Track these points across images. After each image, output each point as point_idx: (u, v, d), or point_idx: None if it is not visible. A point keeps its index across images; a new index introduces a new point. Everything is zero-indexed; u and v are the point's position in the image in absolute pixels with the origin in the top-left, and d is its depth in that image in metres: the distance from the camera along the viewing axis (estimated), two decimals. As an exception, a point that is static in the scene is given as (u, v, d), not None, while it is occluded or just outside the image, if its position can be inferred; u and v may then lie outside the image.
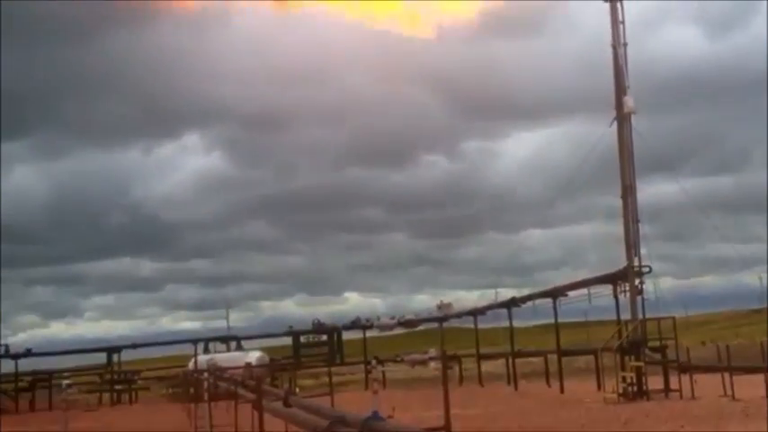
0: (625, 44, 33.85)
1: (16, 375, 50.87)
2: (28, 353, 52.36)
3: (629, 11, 40.52)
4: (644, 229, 33.81)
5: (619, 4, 33.66)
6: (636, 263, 33.47)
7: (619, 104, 33.77)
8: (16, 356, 51.22)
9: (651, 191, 34.56)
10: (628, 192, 33.93)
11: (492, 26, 39.88)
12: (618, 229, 34.68)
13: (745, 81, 43.76)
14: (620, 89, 33.89)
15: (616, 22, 33.82)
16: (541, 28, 43.20)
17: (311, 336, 52.18)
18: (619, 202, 34.09)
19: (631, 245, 33.72)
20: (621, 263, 33.94)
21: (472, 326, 46.38)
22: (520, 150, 52.02)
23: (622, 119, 34.00)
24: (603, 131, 34.46)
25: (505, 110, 48.52)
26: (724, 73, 44.35)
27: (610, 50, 35.55)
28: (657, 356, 32.46)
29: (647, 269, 33.47)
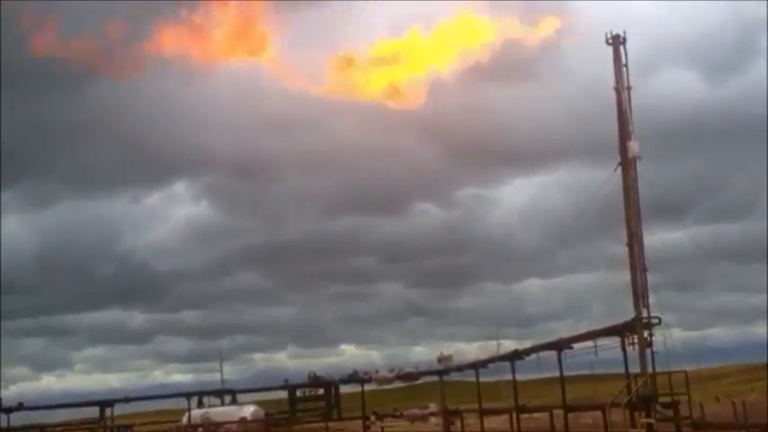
0: (629, 87, 33.07)
1: (9, 430, 49.73)
2: (20, 407, 51.22)
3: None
4: (650, 278, 32.80)
5: (622, 47, 33.00)
6: (644, 314, 32.42)
7: (623, 149, 33.10)
8: (9, 410, 50.17)
9: (654, 238, 33.45)
10: (634, 240, 32.97)
11: (484, 71, 38.93)
12: (622, 278, 33.71)
13: (747, 126, 42.92)
14: (625, 133, 33.03)
15: (619, 64, 33.07)
16: (534, 73, 42.47)
17: (307, 389, 50.71)
18: (622, 250, 33.18)
19: (639, 295, 32.57)
20: (627, 313, 32.79)
21: (474, 379, 44.97)
22: (516, 197, 51.66)
23: (627, 164, 33.27)
24: (608, 177, 33.40)
25: (500, 156, 47.87)
26: (725, 117, 43.65)
27: (605, 95, 35.02)
28: (669, 413, 31.17)
29: (656, 320, 32.27)
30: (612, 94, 33.33)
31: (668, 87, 35.75)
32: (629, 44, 33.54)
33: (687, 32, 40.60)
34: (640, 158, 33.06)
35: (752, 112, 41.90)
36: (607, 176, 33.67)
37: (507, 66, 39.56)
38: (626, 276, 33.14)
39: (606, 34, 33.00)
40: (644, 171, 32.79)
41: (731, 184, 46.94)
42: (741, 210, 45.71)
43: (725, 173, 46.37)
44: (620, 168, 33.11)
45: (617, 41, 32.98)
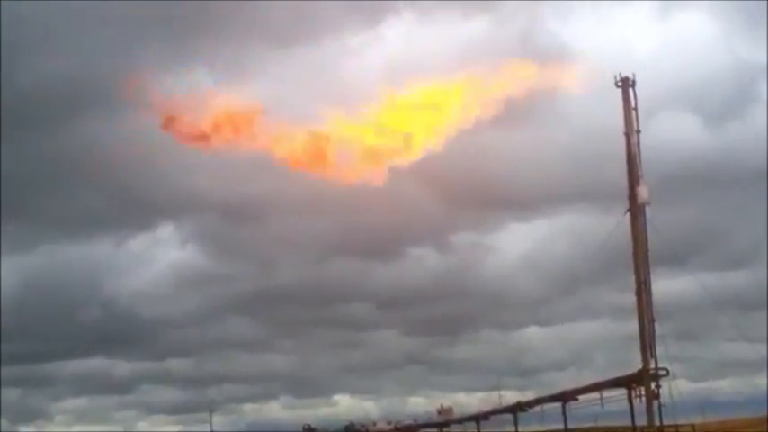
0: (638, 131, 32.45)
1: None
2: (-2, 462, 49.89)
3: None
4: (657, 327, 31.81)
5: (631, 90, 32.44)
6: (651, 365, 31.56)
7: (632, 195, 32.30)
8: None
9: (658, 286, 32.73)
10: (642, 288, 32.18)
11: (480, 116, 38.44)
12: (625, 327, 33.27)
13: (747, 173, 42.43)
14: (634, 178, 32.29)
15: (628, 107, 32.40)
16: (533, 117, 42.05)
17: (303, 442, 49.45)
18: (625, 298, 32.78)
19: (647, 346, 31.70)
20: (631, 363, 32.04)
21: (475, 431, 43.88)
22: (515, 243, 50.85)
23: (636, 210, 32.60)
24: (616, 223, 32.87)
25: (499, 201, 47.24)
26: (724, 164, 43.17)
27: (606, 139, 35.30)
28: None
29: (664, 372, 31.35)
30: (614, 138, 33.01)
31: (667, 132, 35.51)
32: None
33: (686, 77, 40.41)
34: (649, 204, 32.38)
35: (751, 160, 41.31)
36: (615, 223, 32.94)
37: (507, 110, 38.84)
38: (630, 325, 32.60)
39: (615, 77, 32.45)
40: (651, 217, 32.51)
41: (732, 231, 46.34)
42: (743, 257, 45.07)
43: (725, 220, 45.79)
44: (628, 214, 32.35)
45: (626, 84, 32.39)
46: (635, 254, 32.26)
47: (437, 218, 48.48)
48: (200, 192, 54.19)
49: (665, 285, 34.58)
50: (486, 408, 42.28)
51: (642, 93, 36.10)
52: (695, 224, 40.60)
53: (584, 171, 43.33)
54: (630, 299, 32.61)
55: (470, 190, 45.46)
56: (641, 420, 31.62)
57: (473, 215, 48.89)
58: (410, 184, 46.15)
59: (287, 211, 51.86)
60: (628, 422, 32.54)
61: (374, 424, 49.30)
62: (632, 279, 32.57)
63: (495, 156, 43.92)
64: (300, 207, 50.32)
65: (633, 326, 32.42)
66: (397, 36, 43.94)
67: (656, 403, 31.01)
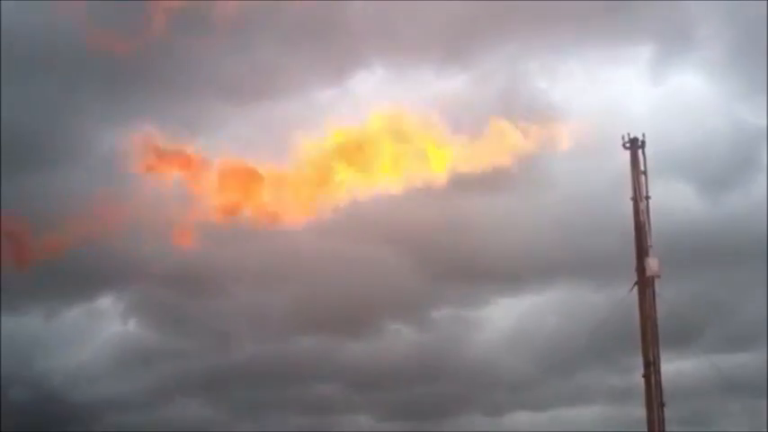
0: (647, 197, 30.35)
1: None
2: None
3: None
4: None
5: (640, 152, 30.36)
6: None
7: (640, 267, 30.05)
8: None
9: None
10: (651, 370, 29.72)
11: (466, 180, 36.31)
12: (628, 412, 32.04)
13: (747, 246, 40.63)
14: (642, 249, 30.16)
15: (637, 171, 30.32)
16: (518, 182, 39.77)
17: None
18: (626, 381, 32.27)
19: (657, 435, 29.40)
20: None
21: None
22: (502, 319, 47.49)
23: (644, 284, 30.36)
24: (622, 298, 30.65)
25: (483, 273, 43.98)
26: (723, 236, 41.33)
27: (594, 207, 35.28)
28: None
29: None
30: (607, 205, 32.88)
31: (663, 200, 33.50)
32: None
33: (681, 141, 38.63)
34: (659, 277, 30.28)
35: (751, 231, 39.53)
36: (618, 297, 30.89)
37: (490, 173, 36.70)
38: (634, 411, 30.80)
39: (623, 137, 30.50)
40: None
41: (733, 309, 44.22)
42: (748, 338, 42.74)
43: (724, 296, 43.73)
44: (635, 289, 30.08)
45: (635, 145, 30.46)
46: (643, 332, 30.04)
47: (415, 290, 45.40)
48: (145, 257, 50.09)
49: (670, 366, 32.54)
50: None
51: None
52: (693, 300, 38.36)
53: (575, 241, 41.12)
54: (634, 380, 30.82)
55: (452, 260, 42.72)
56: None
57: (455, 287, 45.84)
58: (385, 252, 43.36)
59: (245, 278, 48.11)
60: None
61: None
62: (636, 359, 30.63)
63: (478, 223, 41.38)
64: (261, 274, 46.71)
65: (637, 412, 30.47)
66: (366, 93, 41.37)
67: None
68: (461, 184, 38.70)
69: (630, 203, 30.55)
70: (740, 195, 40.90)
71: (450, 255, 41.99)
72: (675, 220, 38.30)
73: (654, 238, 31.56)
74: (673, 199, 36.26)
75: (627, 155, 30.74)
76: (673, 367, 34.09)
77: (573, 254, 41.11)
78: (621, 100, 41.00)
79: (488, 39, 42.33)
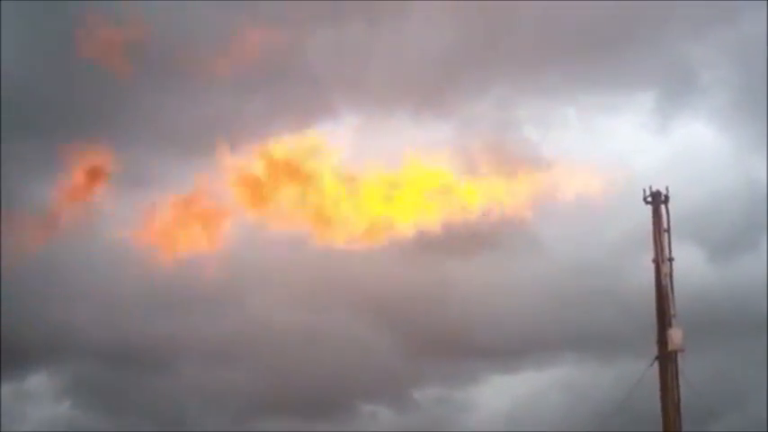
0: (671, 259, 27.35)
1: None
2: None
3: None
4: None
5: (663, 207, 27.39)
6: None
7: (661, 339, 26.99)
8: None
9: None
10: (675, 458, 26.79)
11: (450, 238, 33.32)
12: None
13: (761, 315, 37.55)
14: (664, 318, 27.03)
15: (659, 229, 27.28)
16: (504, 242, 36.38)
17: None
18: None
19: None
20: None
21: None
22: (495, 400, 42.66)
23: (666, 358, 27.09)
24: (642, 374, 27.42)
25: (473, 347, 39.69)
26: (734, 303, 38.26)
27: (592, 271, 33.84)
28: None
29: None
30: (606, 271, 31.90)
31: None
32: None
33: (688, 199, 35.36)
34: (683, 351, 27.09)
35: (761, 301, 36.46)
36: (641, 373, 27.64)
37: (473, 234, 33.86)
38: None
39: (644, 190, 27.65)
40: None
41: (745, 388, 40.81)
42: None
43: (736, 371, 40.34)
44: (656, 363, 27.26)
45: (657, 200, 27.52)
46: (664, 412, 27.19)
47: (392, 365, 41.19)
48: (82, 330, 45.35)
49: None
50: None
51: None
52: (713, 378, 35.01)
53: (575, 311, 37.75)
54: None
55: (436, 332, 38.99)
56: None
57: (438, 363, 41.60)
58: (360, 324, 39.47)
59: (198, 353, 43.63)
60: None
61: None
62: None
63: (464, 290, 37.85)
64: (217, 349, 42.34)
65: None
66: (336, 145, 37.82)
67: None
68: (443, 245, 35.69)
69: (639, 266, 28.74)
70: (755, 259, 37.82)
71: (432, 325, 38.28)
72: (681, 287, 34.98)
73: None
74: (680, 261, 33.02)
75: (631, 212, 28.75)
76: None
77: (574, 326, 37.69)
78: (622, 152, 37.97)
79: (472, 83, 39.01)
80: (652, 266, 27.78)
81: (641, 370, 27.95)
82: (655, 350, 27.34)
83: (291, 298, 38.76)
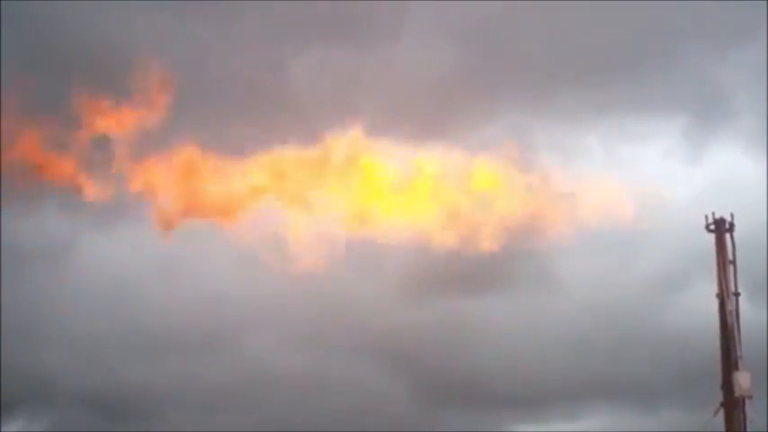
0: (737, 294, 25.05)
1: None
2: None
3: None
4: None
5: (728, 236, 25.08)
6: None
7: (727, 383, 24.81)
8: None
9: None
10: None
11: (466, 275, 31.04)
12: None
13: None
14: (729, 361, 24.85)
15: (723, 260, 25.00)
16: (518, 280, 34.01)
17: None
18: None
19: None
20: None
21: None
22: None
23: (731, 406, 24.79)
24: (705, 422, 25.13)
25: (497, 395, 36.85)
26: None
27: (622, 311, 32.16)
28: None
29: None
30: (642, 309, 28.97)
31: (695, 305, 28.53)
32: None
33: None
34: (751, 397, 24.87)
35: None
36: (704, 422, 25.29)
37: (483, 270, 31.55)
38: None
39: (706, 218, 25.35)
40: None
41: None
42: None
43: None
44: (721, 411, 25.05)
45: (721, 228, 25.19)
46: None
47: (407, 415, 38.32)
48: (60, 376, 42.47)
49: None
50: None
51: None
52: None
53: (602, 355, 35.17)
54: None
55: (453, 380, 36.34)
56: None
57: (458, 413, 38.63)
58: (366, 369, 36.72)
59: (185, 403, 40.78)
60: None
61: None
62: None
63: (482, 329, 35.29)
64: (205, 398, 39.48)
65: None
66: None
67: None
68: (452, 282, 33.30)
69: (668, 306, 27.58)
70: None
71: (449, 372, 35.58)
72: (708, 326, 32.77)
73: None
74: (706, 302, 30.78)
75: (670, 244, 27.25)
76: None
77: (602, 373, 35.10)
78: (648, 182, 35.61)
79: (478, 108, 36.65)
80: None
81: (688, 420, 25.89)
82: (717, 396, 25.03)
83: (291, 341, 36.15)
